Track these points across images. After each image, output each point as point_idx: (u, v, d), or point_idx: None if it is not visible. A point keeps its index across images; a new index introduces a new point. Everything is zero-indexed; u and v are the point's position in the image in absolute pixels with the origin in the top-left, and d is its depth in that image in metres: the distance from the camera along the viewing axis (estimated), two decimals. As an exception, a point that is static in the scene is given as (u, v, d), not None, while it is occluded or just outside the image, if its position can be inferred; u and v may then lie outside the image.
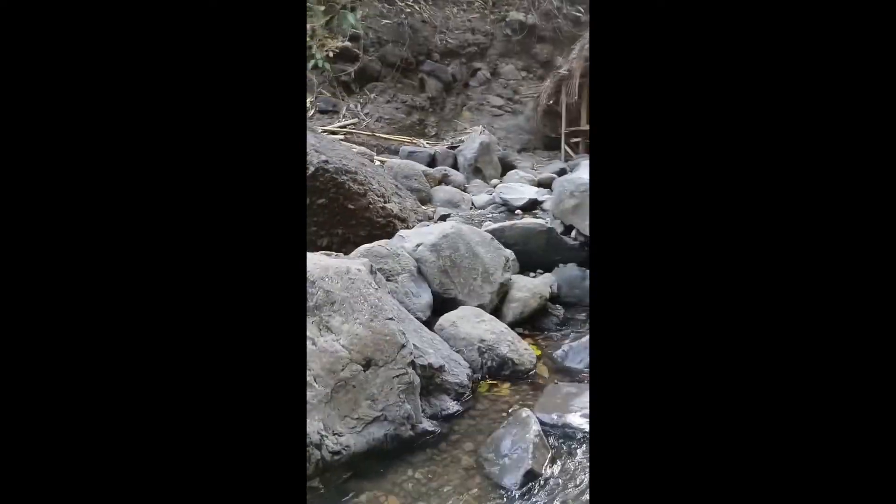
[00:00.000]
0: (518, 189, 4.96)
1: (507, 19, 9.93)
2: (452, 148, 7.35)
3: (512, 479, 1.37)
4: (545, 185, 5.60)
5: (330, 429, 1.39)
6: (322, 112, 8.09)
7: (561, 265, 3.00)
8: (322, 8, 8.07)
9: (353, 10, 8.24)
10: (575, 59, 7.86)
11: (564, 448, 1.54)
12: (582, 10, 9.89)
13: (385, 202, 3.29)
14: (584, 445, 1.56)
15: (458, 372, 1.86)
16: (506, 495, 1.34)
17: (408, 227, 3.35)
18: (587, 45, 7.45)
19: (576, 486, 1.36)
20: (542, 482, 1.38)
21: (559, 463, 1.47)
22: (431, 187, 5.43)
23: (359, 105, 8.49)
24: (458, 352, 2.01)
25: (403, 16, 8.93)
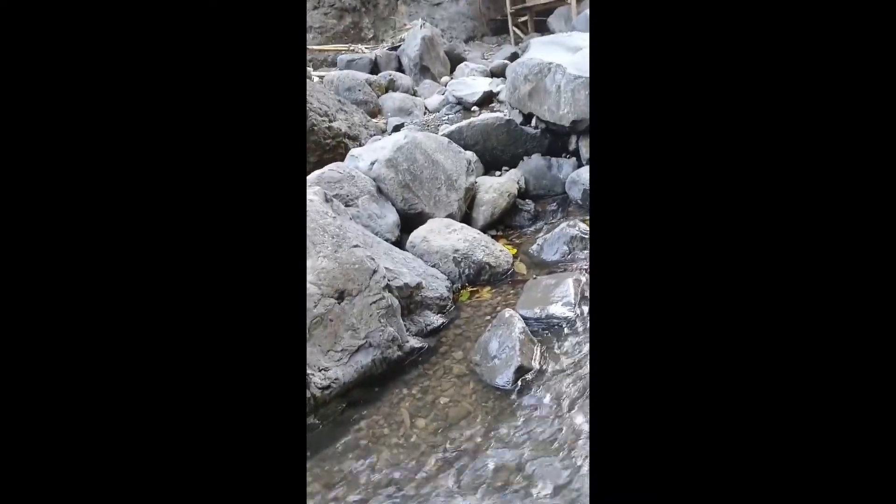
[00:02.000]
0: (471, 84, 4.67)
1: None
2: (394, 49, 6.78)
3: (504, 377, 1.40)
4: (498, 74, 5.28)
5: (315, 366, 1.36)
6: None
7: (525, 158, 2.90)
8: None
9: None
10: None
11: (551, 338, 1.57)
12: None
13: (330, 121, 3.04)
14: (568, 331, 1.59)
15: (437, 286, 1.84)
16: (501, 394, 1.37)
17: (360, 145, 3.14)
18: None
19: (567, 373, 1.40)
20: (534, 374, 1.42)
21: (547, 354, 1.50)
22: (379, 96, 5.08)
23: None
24: (433, 266, 1.97)
25: None
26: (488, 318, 1.74)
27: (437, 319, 1.76)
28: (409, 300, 1.73)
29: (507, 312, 1.62)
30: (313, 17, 7.69)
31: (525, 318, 1.62)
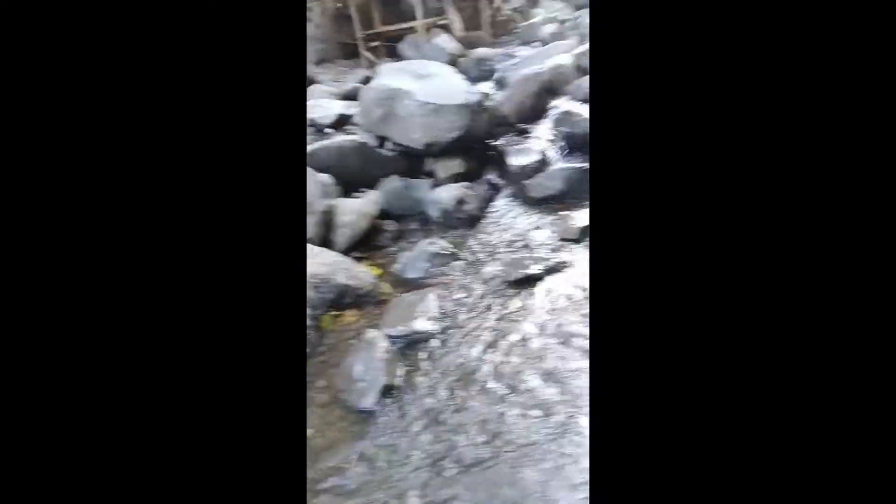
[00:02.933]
0: (323, 106, 4.60)
1: None
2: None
3: (370, 399, 1.39)
4: (351, 97, 5.30)
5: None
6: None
7: (382, 179, 2.94)
8: None
9: None
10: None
11: (417, 353, 1.60)
12: None
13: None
14: (430, 343, 1.64)
15: (296, 314, 1.75)
16: (367, 416, 1.35)
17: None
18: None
19: (433, 384, 1.44)
20: (402, 390, 1.43)
21: (414, 368, 1.52)
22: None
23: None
24: (292, 293, 1.87)
25: None
26: (352, 341, 1.71)
27: (299, 350, 1.67)
28: (266, 333, 1.62)
29: (370, 333, 1.61)
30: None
31: (390, 337, 1.62)
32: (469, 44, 6.66)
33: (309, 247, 2.14)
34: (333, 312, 1.93)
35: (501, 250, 2.23)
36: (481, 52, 5.54)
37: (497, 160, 3.00)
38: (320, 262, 2.02)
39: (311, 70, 7.13)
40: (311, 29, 8.59)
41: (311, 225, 2.31)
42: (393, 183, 2.88)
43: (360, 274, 2.08)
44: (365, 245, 2.52)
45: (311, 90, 5.78)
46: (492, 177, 2.89)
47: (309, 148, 3.06)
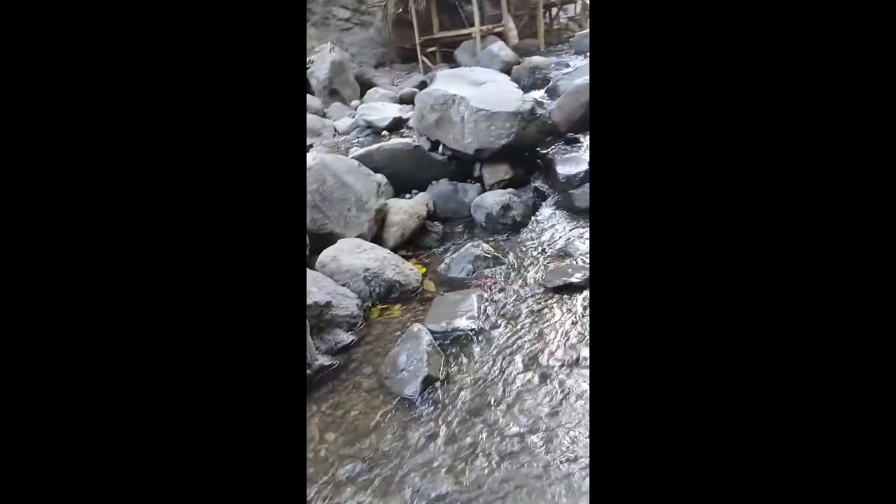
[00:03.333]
0: (381, 109, 4.78)
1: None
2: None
3: (412, 388, 1.48)
4: (408, 100, 5.47)
5: (220, 389, 1.33)
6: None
7: (433, 182, 3.05)
8: None
9: None
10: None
11: (458, 349, 1.68)
12: None
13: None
14: (474, 342, 1.71)
15: (347, 304, 1.88)
16: (410, 403, 1.44)
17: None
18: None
19: (473, 378, 1.52)
20: (441, 383, 1.51)
21: (454, 363, 1.60)
22: (287, 117, 4.99)
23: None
24: (343, 285, 2.00)
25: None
26: (398, 333, 1.81)
27: (347, 337, 1.79)
28: (319, 319, 1.75)
29: (416, 327, 1.70)
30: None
31: (433, 332, 1.71)
32: (524, 51, 6.70)
33: (362, 242, 2.27)
34: (382, 306, 2.04)
35: (544, 257, 2.28)
36: (535, 59, 5.56)
37: (545, 168, 3.04)
38: (371, 257, 2.14)
39: (370, 73, 7.39)
40: (371, 33, 8.89)
41: (365, 222, 2.44)
42: (442, 186, 2.98)
43: (408, 271, 2.19)
44: (413, 244, 2.63)
45: (370, 93, 6.00)
46: (539, 184, 2.94)
47: (365, 149, 3.21)
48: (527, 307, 1.88)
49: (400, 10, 8.25)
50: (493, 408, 1.38)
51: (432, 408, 1.42)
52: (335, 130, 4.75)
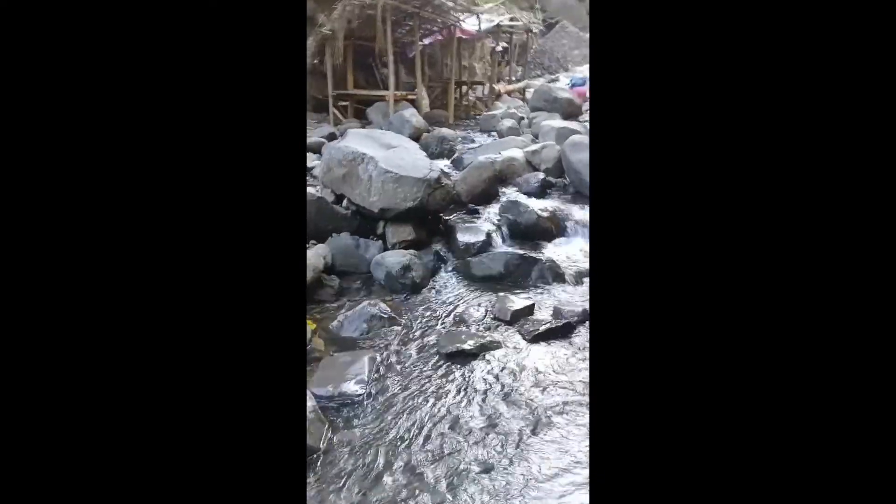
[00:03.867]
0: (285, 154, 4.65)
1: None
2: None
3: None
4: (315, 150, 5.42)
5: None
6: None
7: (334, 234, 2.99)
8: None
9: None
10: (337, 18, 7.65)
11: (342, 416, 1.59)
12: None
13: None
14: (359, 409, 1.63)
15: (224, 360, 1.70)
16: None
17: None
18: (349, 6, 7.32)
19: (355, 450, 1.43)
20: (321, 454, 1.40)
21: (336, 432, 1.51)
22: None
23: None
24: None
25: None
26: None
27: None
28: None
29: (300, 390, 1.59)
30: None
31: (317, 396, 1.61)
32: (433, 121, 7.10)
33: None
34: (262, 363, 1.88)
35: (438, 322, 2.31)
36: (444, 131, 5.91)
37: (446, 234, 3.16)
38: (258, 309, 1.99)
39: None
40: (283, 77, 8.83)
41: (255, 270, 2.28)
42: (343, 240, 2.93)
43: (297, 327, 2.06)
44: (308, 297, 2.51)
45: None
46: (440, 248, 3.03)
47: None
48: (419, 372, 1.86)
49: (316, 62, 8.36)
50: (375, 479, 1.31)
51: (311, 479, 1.30)
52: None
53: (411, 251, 2.83)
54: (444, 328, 2.23)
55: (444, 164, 4.47)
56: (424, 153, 3.33)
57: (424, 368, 1.90)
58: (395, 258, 2.71)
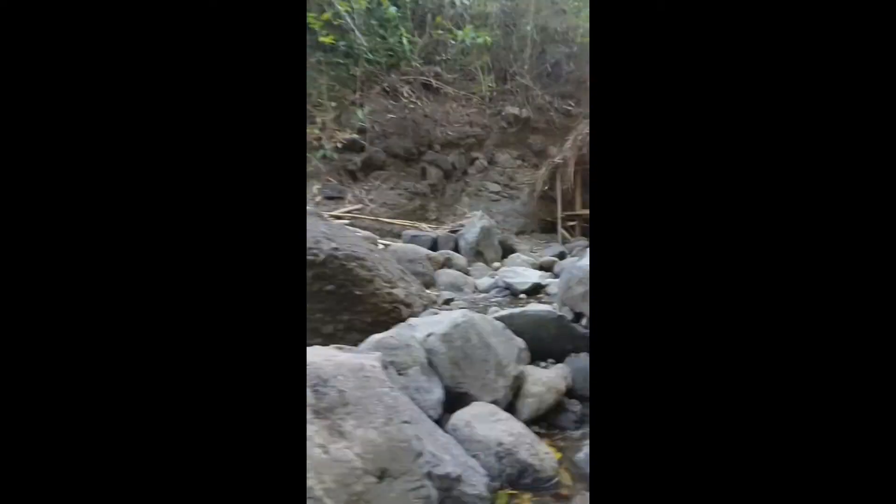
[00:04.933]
0: (521, 273, 4.96)
1: (503, 113, 10.63)
2: (453, 232, 7.49)
3: None
4: (546, 268, 5.63)
5: (339, 557, 1.22)
6: (329, 198, 8.36)
7: (573, 355, 2.89)
8: (333, 104, 8.63)
9: (361, 105, 8.80)
10: (569, 148, 8.29)
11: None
12: (572, 104, 10.61)
13: (392, 287, 3.25)
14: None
15: (476, 481, 1.70)
16: None
17: (413, 313, 3.27)
18: (580, 136, 7.89)
19: None
20: None
21: None
22: (434, 270, 5.44)
23: (363, 191, 8.79)
24: (473, 456, 1.85)
25: (407, 111, 9.56)
26: (529, 533, 1.55)
27: (471, 522, 1.58)
28: (447, 493, 1.59)
29: (554, 532, 1.44)
30: (387, 195, 8.81)
31: (574, 544, 1.43)
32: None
33: (495, 409, 2.14)
34: (510, 490, 1.81)
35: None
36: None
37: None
38: (506, 429, 1.98)
39: (512, 239, 7.94)
40: (516, 205, 9.78)
41: (501, 387, 2.34)
42: (584, 361, 2.80)
43: (543, 454, 1.96)
44: (547, 420, 2.41)
45: (512, 258, 6.36)
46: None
47: (507, 311, 3.25)
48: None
49: (546, 188, 9.05)
50: None
51: None
52: (475, 287, 4.98)
53: (665, 379, 2.50)
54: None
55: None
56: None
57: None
58: (646, 386, 2.42)
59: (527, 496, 1.81)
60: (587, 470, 2.00)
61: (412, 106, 9.80)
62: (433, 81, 10.16)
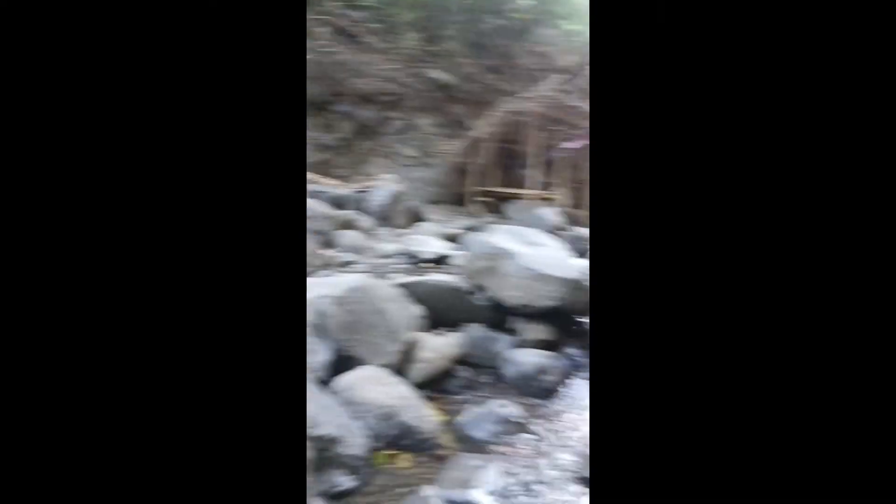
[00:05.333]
0: (426, 242, 4.97)
1: (428, 75, 10.36)
2: (360, 192, 7.25)
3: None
4: (453, 239, 5.69)
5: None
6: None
7: (469, 325, 2.98)
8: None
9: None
10: (491, 123, 8.37)
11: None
12: (498, 79, 10.63)
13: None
14: (487, 528, 1.46)
15: (354, 443, 1.69)
16: None
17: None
18: (503, 113, 7.97)
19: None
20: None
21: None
22: (334, 230, 5.24)
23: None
24: (357, 419, 1.83)
25: (317, 53, 8.85)
26: (403, 490, 1.58)
27: (346, 481, 1.57)
28: (322, 453, 1.56)
29: (426, 491, 1.48)
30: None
31: (450, 501, 1.48)
32: (572, 221, 7.07)
33: (383, 373, 2.14)
34: (389, 451, 1.83)
35: (574, 439, 2.06)
36: (583, 231, 5.83)
37: (582, 337, 2.94)
38: (392, 393, 1.99)
39: (422, 208, 7.91)
40: (431, 174, 9.75)
41: (394, 352, 2.33)
42: (477, 331, 2.89)
43: (426, 417, 2.00)
44: (436, 386, 2.46)
45: (419, 226, 6.33)
46: (575, 352, 2.81)
47: (408, 279, 3.24)
48: (550, 492, 1.64)
49: (464, 160, 9.10)
50: None
51: None
52: (378, 252, 4.90)
53: (548, 353, 2.67)
54: (578, 446, 1.98)
55: (583, 263, 4.33)
56: (567, 253, 3.26)
57: (557, 490, 1.67)
58: (529, 357, 2.57)
59: (405, 455, 1.85)
60: (468, 432, 2.10)
61: (325, 49, 9.10)
62: (352, 27, 9.53)
